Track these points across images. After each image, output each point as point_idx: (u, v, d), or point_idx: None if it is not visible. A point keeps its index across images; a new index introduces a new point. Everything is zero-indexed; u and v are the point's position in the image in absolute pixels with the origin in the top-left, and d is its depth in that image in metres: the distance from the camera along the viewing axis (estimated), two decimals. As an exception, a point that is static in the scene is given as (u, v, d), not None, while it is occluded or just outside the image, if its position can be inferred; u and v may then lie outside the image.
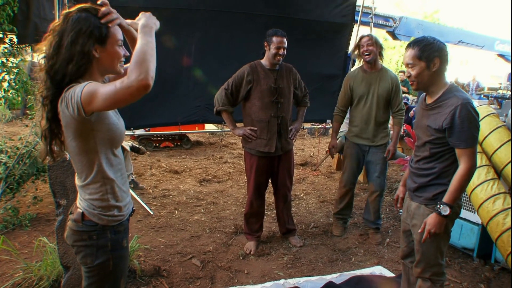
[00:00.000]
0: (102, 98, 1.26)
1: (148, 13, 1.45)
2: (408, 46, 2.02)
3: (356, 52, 3.54)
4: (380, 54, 3.44)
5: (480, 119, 2.00)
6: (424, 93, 2.11)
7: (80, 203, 1.50)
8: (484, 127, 2.97)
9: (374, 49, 3.36)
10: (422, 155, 2.08)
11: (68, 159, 2.31)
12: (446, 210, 1.92)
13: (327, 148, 3.82)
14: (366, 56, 3.38)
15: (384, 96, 3.39)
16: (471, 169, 1.90)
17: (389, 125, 3.61)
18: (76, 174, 1.51)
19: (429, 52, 1.94)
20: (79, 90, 1.29)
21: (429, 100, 2.06)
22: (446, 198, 1.94)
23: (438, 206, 1.94)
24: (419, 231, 2.02)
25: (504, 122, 3.12)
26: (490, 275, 3.00)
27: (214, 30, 4.11)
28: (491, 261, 3.16)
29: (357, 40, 3.54)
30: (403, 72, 9.21)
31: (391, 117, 3.59)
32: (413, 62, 1.98)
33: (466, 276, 3.01)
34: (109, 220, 1.50)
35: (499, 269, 3.07)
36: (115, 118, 1.48)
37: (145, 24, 1.38)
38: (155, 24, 1.42)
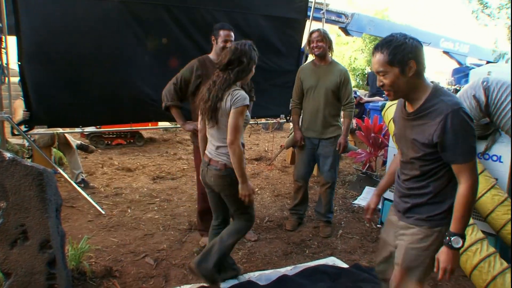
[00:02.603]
0: (236, 131, 2.27)
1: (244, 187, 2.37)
2: (376, 49, 1.64)
3: (307, 48, 3.62)
4: (330, 48, 3.53)
5: None
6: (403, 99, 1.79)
7: (220, 157, 2.40)
8: None
9: (324, 44, 3.45)
10: (411, 174, 1.78)
11: (7, 159, 2.18)
12: (458, 242, 1.63)
13: (283, 143, 3.85)
14: (315, 50, 3.47)
15: (332, 89, 3.46)
16: (474, 185, 1.61)
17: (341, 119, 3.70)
18: (213, 140, 2.45)
19: (402, 55, 1.59)
20: (239, 104, 2.27)
21: (410, 108, 1.73)
22: (453, 227, 1.64)
23: (447, 238, 1.64)
24: (435, 270, 1.72)
25: None
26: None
27: (162, 26, 4.00)
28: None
29: (308, 35, 3.61)
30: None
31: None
32: (384, 69, 1.63)
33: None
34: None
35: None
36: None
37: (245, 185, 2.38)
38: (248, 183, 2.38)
